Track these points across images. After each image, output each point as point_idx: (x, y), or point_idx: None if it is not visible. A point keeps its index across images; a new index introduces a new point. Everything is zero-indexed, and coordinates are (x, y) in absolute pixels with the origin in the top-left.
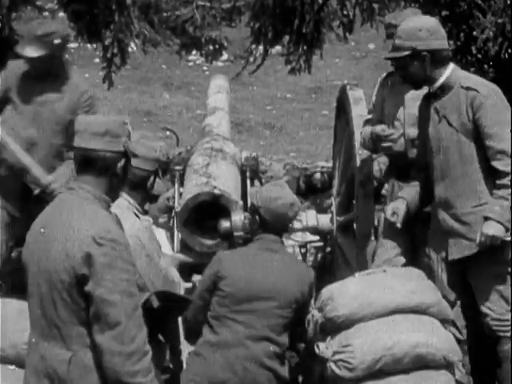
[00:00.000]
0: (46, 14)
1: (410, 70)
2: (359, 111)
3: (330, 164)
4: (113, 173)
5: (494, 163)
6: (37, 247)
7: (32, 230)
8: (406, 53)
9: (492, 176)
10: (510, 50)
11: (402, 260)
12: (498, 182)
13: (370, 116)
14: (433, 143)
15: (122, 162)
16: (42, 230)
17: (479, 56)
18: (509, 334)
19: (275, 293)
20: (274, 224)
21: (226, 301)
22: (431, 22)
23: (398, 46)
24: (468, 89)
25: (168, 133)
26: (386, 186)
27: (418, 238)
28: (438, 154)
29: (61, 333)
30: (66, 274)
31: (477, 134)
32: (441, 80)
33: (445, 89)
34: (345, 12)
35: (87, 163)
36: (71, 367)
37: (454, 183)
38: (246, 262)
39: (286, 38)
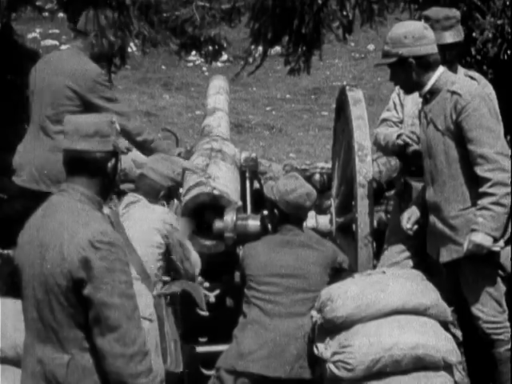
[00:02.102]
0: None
1: (399, 75)
2: (358, 112)
3: (330, 165)
4: (104, 173)
5: (475, 168)
6: (31, 250)
7: (25, 231)
8: (393, 60)
9: (476, 180)
10: (509, 52)
11: (410, 264)
12: (479, 189)
13: (386, 115)
14: (422, 147)
15: (113, 161)
16: (36, 232)
17: (478, 57)
18: (502, 337)
19: (298, 270)
20: (293, 215)
21: (252, 283)
22: (418, 27)
23: (386, 52)
24: (453, 93)
25: (166, 133)
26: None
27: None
28: (427, 158)
29: (58, 336)
30: (63, 277)
31: (461, 138)
32: (429, 84)
33: (433, 93)
34: (344, 13)
35: (78, 165)
36: (69, 371)
37: (442, 187)
38: (266, 247)
39: (286, 38)
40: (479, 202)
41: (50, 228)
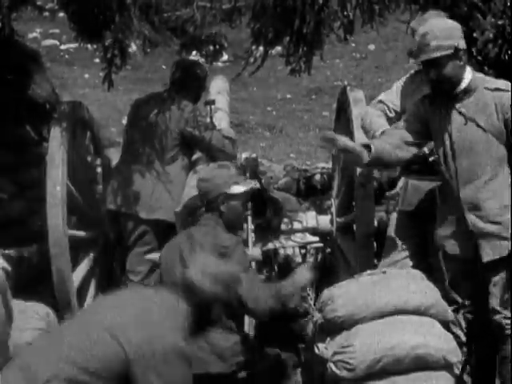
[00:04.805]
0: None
1: (447, 70)
2: (359, 112)
3: (330, 165)
4: None
5: None
6: None
7: None
8: (449, 51)
9: None
10: (509, 52)
11: (410, 263)
12: None
13: (384, 97)
14: (456, 146)
15: None
16: None
17: (479, 58)
18: None
19: None
20: None
21: None
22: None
23: (436, 46)
24: (495, 90)
25: None
26: (400, 183)
27: (429, 236)
28: (463, 157)
29: None
30: None
31: (506, 135)
32: (466, 81)
33: (468, 90)
34: (345, 13)
35: None
36: None
37: (485, 185)
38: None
39: (286, 38)
40: None
41: None
